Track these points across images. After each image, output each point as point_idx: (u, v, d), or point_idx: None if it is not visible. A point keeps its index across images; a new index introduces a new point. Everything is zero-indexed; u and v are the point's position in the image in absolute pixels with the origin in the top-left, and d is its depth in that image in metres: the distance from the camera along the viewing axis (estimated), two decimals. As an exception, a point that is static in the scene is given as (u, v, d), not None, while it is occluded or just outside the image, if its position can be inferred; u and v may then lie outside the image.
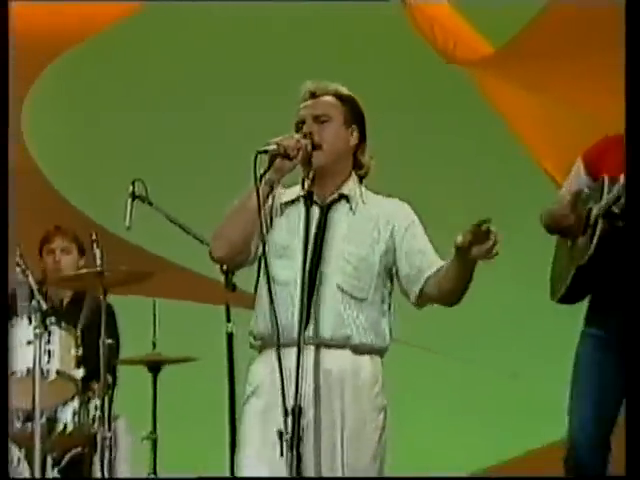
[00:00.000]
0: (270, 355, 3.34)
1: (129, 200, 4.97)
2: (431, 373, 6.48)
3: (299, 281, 3.39)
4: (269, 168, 3.35)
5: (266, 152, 3.32)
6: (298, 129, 3.46)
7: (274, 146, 3.32)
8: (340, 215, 3.47)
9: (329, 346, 3.35)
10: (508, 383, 6.37)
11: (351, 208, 3.49)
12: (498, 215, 6.06)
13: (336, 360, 3.36)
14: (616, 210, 4.14)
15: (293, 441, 3.10)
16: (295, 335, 3.32)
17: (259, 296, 3.44)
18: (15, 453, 4.97)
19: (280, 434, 3.14)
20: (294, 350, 3.28)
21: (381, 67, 6.45)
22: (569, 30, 5.87)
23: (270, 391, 3.34)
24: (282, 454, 3.13)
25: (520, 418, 6.30)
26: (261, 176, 3.34)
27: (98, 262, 5.09)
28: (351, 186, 3.49)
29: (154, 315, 5.51)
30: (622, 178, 4.09)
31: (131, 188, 4.97)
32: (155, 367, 5.40)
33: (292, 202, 3.48)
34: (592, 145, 4.48)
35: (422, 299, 3.47)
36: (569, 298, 4.38)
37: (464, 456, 6.43)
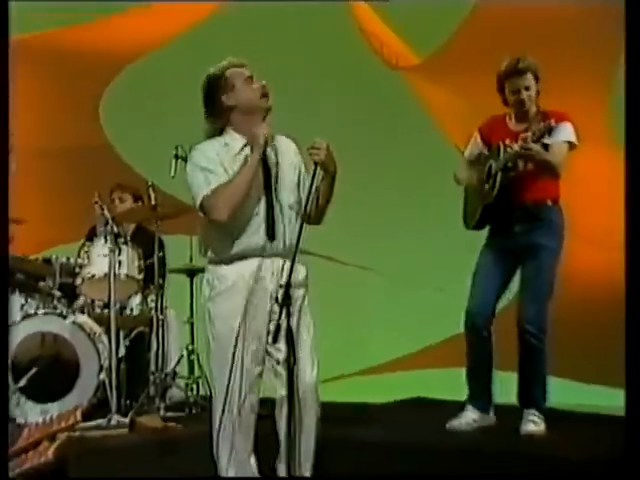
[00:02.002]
0: (239, 263, 3.29)
1: (173, 160, 4.92)
2: (373, 289, 6.47)
3: (262, 208, 3.28)
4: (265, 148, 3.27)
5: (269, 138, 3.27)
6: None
7: (267, 131, 3.27)
8: (270, 156, 3.34)
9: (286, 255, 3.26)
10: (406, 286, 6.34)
11: (273, 148, 3.36)
12: (426, 180, 6.24)
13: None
14: (510, 165, 4.26)
15: (285, 300, 3.06)
16: (267, 246, 3.28)
17: (242, 224, 3.28)
18: (97, 329, 5.00)
19: (276, 299, 3.13)
20: (261, 258, 3.27)
21: (339, 72, 6.43)
22: (484, 41, 5.87)
23: (246, 288, 3.28)
24: (281, 309, 3.06)
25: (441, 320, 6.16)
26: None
27: (153, 201, 5.10)
28: (267, 132, 3.34)
29: (190, 240, 5.43)
30: (514, 144, 4.20)
31: (174, 151, 4.92)
32: (191, 274, 5.42)
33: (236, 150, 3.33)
34: (484, 121, 4.56)
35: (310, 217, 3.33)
36: (478, 226, 4.47)
37: (391, 346, 6.45)
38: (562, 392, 4.80)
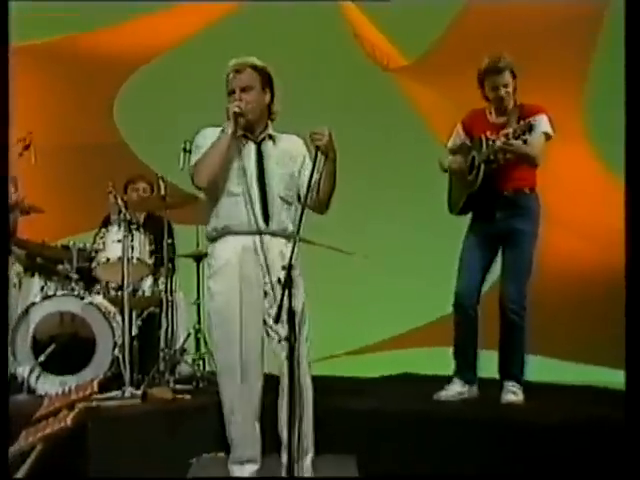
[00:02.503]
0: (232, 239, 3.36)
1: (182, 153, 4.76)
2: (366, 275, 6.36)
3: (255, 192, 3.35)
4: (236, 124, 3.34)
5: (235, 112, 3.34)
6: (230, 95, 3.41)
7: (237, 108, 3.34)
8: (268, 148, 3.44)
9: (275, 234, 3.37)
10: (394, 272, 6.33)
11: (274, 143, 3.45)
12: (413, 173, 6.22)
13: (279, 243, 3.36)
14: (492, 157, 4.28)
15: (287, 282, 3.06)
16: (254, 226, 3.34)
17: (218, 203, 3.39)
18: (112, 309, 4.98)
19: (279, 280, 3.14)
20: (251, 236, 3.34)
21: (335, 75, 6.38)
22: (468, 43, 5.80)
23: (242, 263, 3.34)
24: (283, 290, 3.04)
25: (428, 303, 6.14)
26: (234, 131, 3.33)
27: (162, 192, 5.07)
28: (270, 129, 3.46)
29: (197, 229, 5.41)
30: (496, 138, 4.21)
31: (183, 145, 4.76)
32: (198, 258, 5.38)
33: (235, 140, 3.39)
34: (466, 114, 4.58)
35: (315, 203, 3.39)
36: (462, 212, 4.50)
37: (382, 327, 6.41)
38: (539, 368, 4.81)
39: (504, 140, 4.17)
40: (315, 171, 3.28)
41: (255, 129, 3.45)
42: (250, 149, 3.44)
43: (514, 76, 4.35)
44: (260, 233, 3.38)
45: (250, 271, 3.37)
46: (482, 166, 4.29)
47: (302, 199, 3.34)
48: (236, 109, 3.35)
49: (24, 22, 6.08)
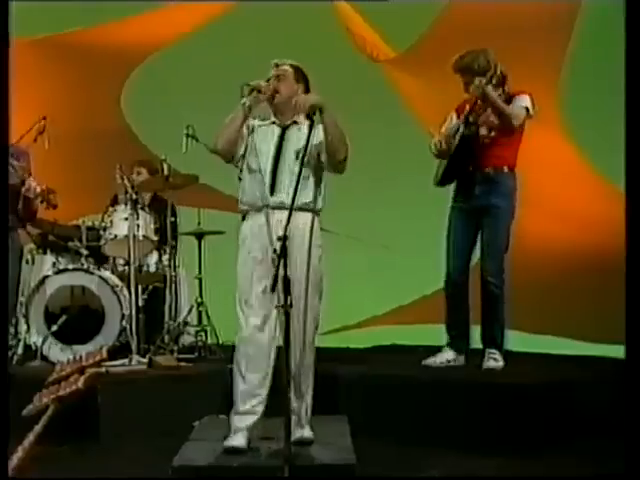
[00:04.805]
0: (252, 216, 3.45)
1: (184, 138, 4.88)
2: (355, 255, 6.30)
3: (268, 169, 3.44)
4: (250, 96, 3.42)
5: (248, 85, 3.44)
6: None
7: (253, 83, 3.45)
8: (292, 132, 3.52)
9: (288, 208, 3.31)
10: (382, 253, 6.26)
11: (299, 129, 3.52)
12: (403, 159, 6.18)
13: (292, 216, 3.26)
14: (471, 119, 4.26)
15: (282, 252, 3.09)
16: (268, 201, 3.40)
17: (243, 180, 3.50)
18: (119, 283, 4.95)
19: (274, 250, 3.13)
20: (267, 210, 3.38)
21: (329, 67, 6.06)
22: (452, 37, 5.68)
23: (254, 239, 3.42)
24: (278, 260, 3.07)
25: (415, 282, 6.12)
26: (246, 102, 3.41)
27: (166, 172, 5.05)
28: (299, 117, 3.54)
29: (198, 210, 5.50)
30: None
31: (185, 130, 4.89)
32: (200, 236, 5.41)
33: (264, 125, 3.55)
34: (459, 103, 4.50)
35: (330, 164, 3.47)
36: (442, 183, 4.44)
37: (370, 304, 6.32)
38: (520, 342, 4.80)
39: (488, 88, 4.11)
40: (311, 137, 3.35)
41: (284, 115, 3.54)
42: (275, 133, 3.54)
43: (483, 72, 4.20)
44: (277, 207, 3.41)
45: (263, 245, 3.40)
46: (461, 127, 4.24)
47: (298, 169, 3.33)
48: (252, 83, 3.47)
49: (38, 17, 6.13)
